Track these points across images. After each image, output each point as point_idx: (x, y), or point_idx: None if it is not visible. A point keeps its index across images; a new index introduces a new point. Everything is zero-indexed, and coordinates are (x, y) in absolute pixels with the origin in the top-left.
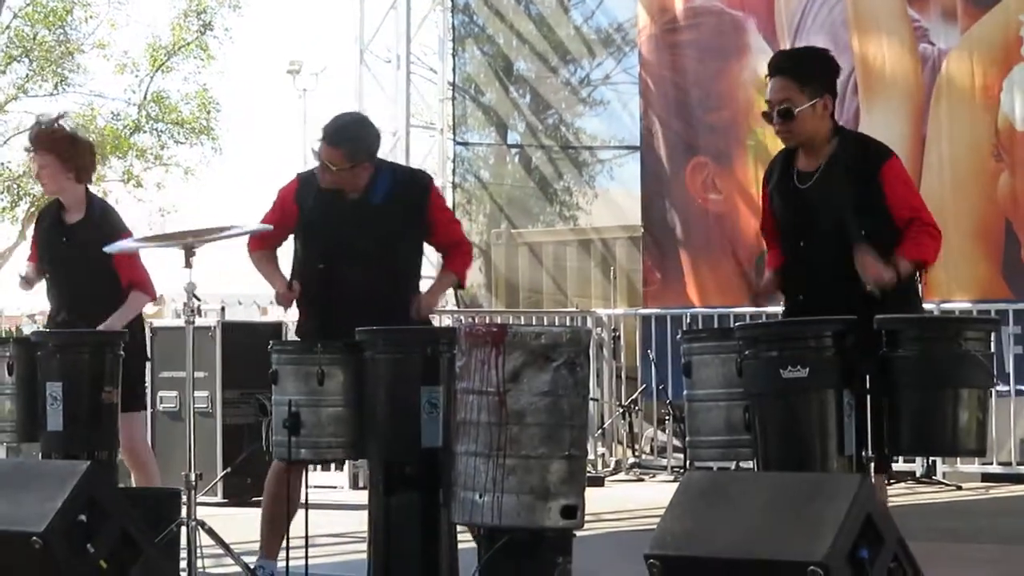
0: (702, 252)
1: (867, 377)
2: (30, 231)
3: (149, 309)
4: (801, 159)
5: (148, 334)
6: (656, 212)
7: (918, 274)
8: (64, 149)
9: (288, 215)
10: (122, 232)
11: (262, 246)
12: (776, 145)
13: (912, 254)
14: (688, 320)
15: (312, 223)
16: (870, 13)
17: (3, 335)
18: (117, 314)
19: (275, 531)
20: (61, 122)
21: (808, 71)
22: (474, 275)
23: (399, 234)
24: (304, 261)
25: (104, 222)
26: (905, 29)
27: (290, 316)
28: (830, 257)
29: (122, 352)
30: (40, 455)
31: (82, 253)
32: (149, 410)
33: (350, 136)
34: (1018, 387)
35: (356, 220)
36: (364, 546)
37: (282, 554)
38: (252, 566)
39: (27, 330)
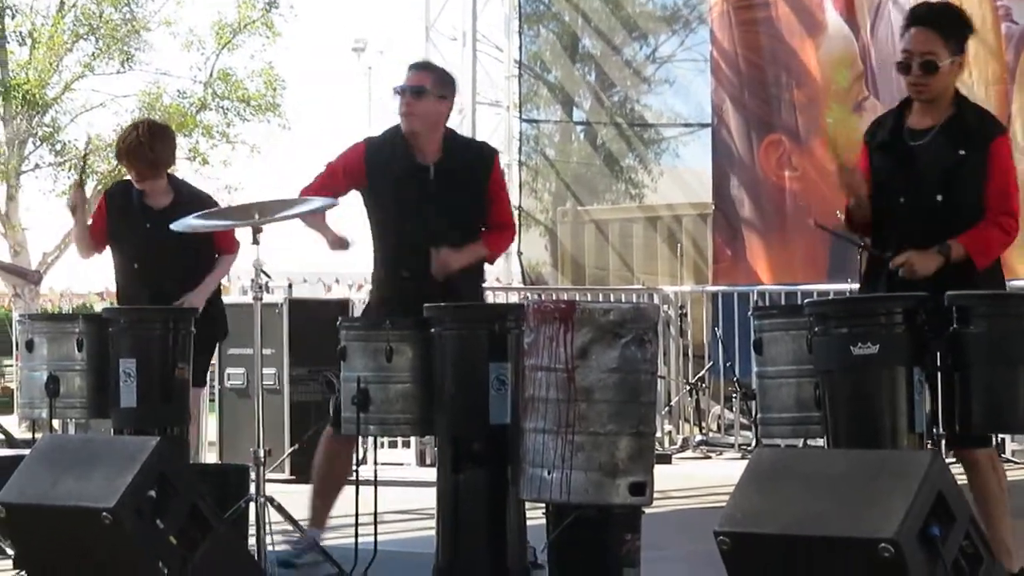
0: (775, 230)
1: (938, 354)
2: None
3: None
4: (915, 116)
5: None
6: (727, 189)
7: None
8: (144, 156)
9: (353, 175)
10: (215, 204)
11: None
12: (853, 121)
13: (969, 243)
14: (755, 297)
15: (379, 191)
16: None
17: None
18: (211, 278)
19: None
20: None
21: (954, 26)
22: (540, 252)
23: (464, 208)
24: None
25: (200, 201)
26: (987, 8)
27: (356, 294)
28: (925, 215)
29: (194, 328)
30: (112, 431)
31: (175, 241)
32: (217, 386)
33: (434, 66)
34: None
35: (423, 190)
36: (432, 523)
37: (349, 531)
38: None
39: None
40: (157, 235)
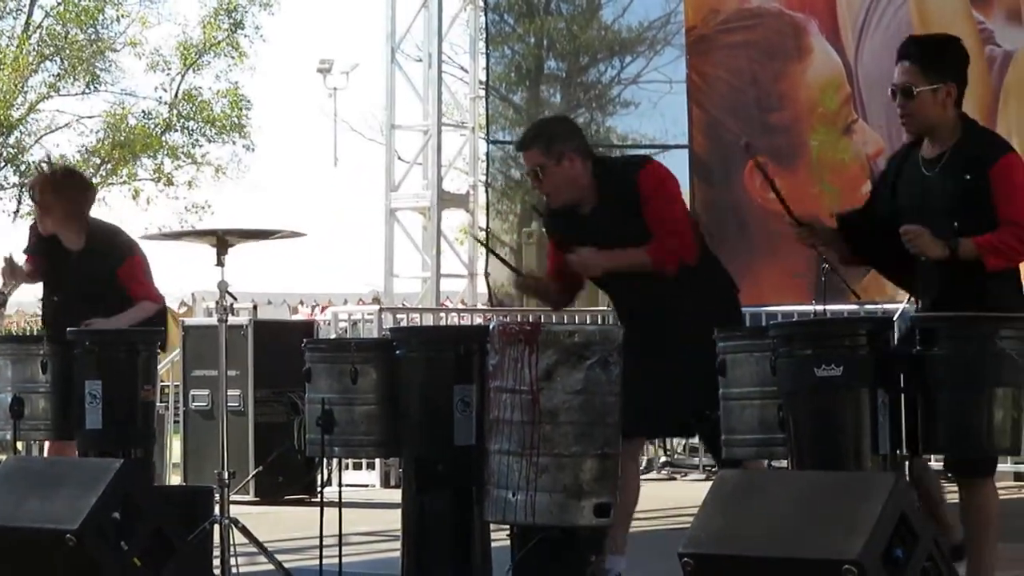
0: (759, 250)
1: (902, 375)
2: None
3: (180, 309)
4: (926, 146)
5: (180, 333)
6: (706, 211)
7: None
8: (74, 197)
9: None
10: (128, 253)
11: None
12: (843, 144)
13: (982, 241)
14: None
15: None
16: (935, 15)
17: (24, 333)
18: (125, 315)
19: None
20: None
21: (931, 55)
22: (506, 273)
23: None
24: None
25: (108, 249)
26: (970, 31)
27: (319, 315)
28: None
29: (159, 350)
30: (76, 453)
31: (89, 282)
32: (182, 408)
33: (539, 132)
34: None
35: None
36: (397, 544)
37: (314, 553)
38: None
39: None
40: (74, 276)
